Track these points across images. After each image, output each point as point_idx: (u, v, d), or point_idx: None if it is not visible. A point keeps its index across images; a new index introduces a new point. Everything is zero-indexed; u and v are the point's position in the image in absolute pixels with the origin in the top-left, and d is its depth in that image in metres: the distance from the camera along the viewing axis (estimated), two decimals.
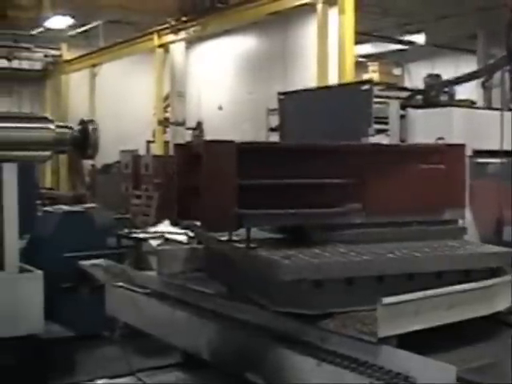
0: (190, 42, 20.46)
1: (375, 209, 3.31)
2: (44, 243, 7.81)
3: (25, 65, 22.52)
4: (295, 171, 3.21)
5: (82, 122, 2.91)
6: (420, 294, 2.52)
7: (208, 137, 18.02)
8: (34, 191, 8.13)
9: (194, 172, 3.34)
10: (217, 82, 20.99)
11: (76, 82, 23.09)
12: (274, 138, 12.86)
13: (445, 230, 3.57)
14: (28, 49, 22.30)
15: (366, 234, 3.35)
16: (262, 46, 19.62)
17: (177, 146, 3.61)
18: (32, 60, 23.06)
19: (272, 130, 14.08)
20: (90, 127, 2.90)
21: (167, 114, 19.50)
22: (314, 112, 8.38)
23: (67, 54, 23.17)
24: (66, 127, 2.87)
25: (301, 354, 2.57)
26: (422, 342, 2.44)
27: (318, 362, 2.48)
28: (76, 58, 22.80)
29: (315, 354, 2.54)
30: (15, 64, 21.89)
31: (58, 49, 23.18)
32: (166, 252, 3.99)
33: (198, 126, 19.42)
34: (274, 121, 12.27)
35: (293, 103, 9.06)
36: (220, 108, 20.33)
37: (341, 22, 12.48)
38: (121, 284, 3.85)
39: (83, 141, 2.88)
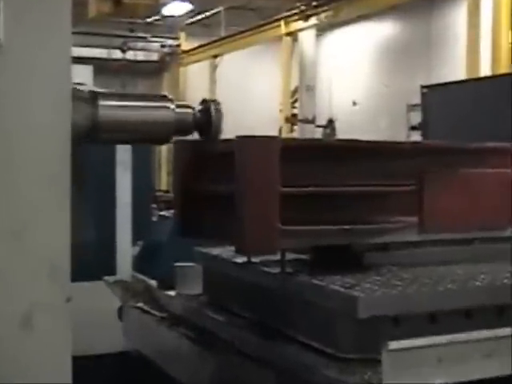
0: (321, 30, 20.47)
1: (433, 224, 3.04)
2: (158, 250, 7.97)
3: (140, 56, 23.11)
4: (333, 176, 2.97)
5: (204, 102, 2.93)
6: (445, 338, 2.27)
7: (340, 136, 17.96)
8: (148, 194, 8.31)
9: (201, 175, 3.16)
10: (350, 74, 20.91)
11: (195, 74, 23.54)
12: (416, 137, 12.68)
13: (507, 248, 3.27)
14: (144, 38, 22.89)
15: (423, 254, 3.17)
16: (401, 33, 19.40)
17: (179, 141, 3.38)
18: (148, 51, 23.65)
19: (413, 128, 13.90)
20: (213, 107, 2.90)
21: (295, 111, 19.59)
22: (463, 107, 8.20)
23: (185, 44, 23.63)
24: (188, 107, 2.89)
25: None
26: None
27: None
28: (195, 49, 23.23)
29: None
30: (130, 55, 22.49)
31: (176, 38, 23.69)
32: (186, 269, 3.82)
33: (329, 124, 19.37)
34: (416, 118, 12.09)
35: (438, 97, 8.89)
36: (354, 103, 20.23)
37: (495, 3, 12.17)
38: (138, 305, 3.83)
39: (205, 122, 2.88)
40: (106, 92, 2.68)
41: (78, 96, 2.47)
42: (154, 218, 8.51)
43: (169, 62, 24.25)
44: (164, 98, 2.81)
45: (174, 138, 2.91)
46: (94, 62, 10.33)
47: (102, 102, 2.59)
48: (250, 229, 2.78)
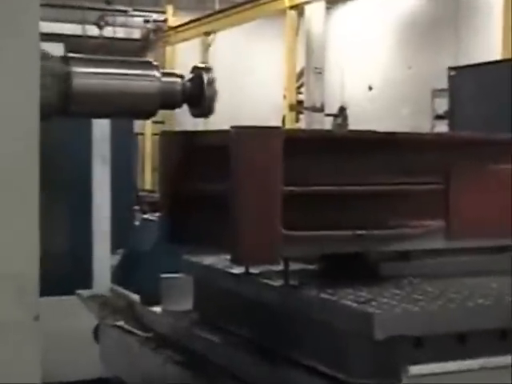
0: (332, 2, 20.50)
1: (461, 229, 3.05)
2: (141, 260, 7.97)
3: (120, 33, 23.13)
4: (344, 173, 2.95)
5: (196, 69, 2.93)
6: (476, 363, 2.30)
7: (353, 126, 17.97)
8: (130, 194, 8.32)
9: (191, 172, 3.10)
10: (365, 54, 20.93)
11: (184, 54, 23.54)
12: (442, 127, 12.69)
13: None
14: (124, 12, 22.91)
15: (449, 264, 3.15)
16: (425, 7, 19.42)
17: (165, 133, 3.33)
18: (129, 27, 23.67)
19: (439, 117, 13.92)
20: (206, 76, 2.91)
21: (301, 97, 19.60)
22: (498, 93, 8.20)
23: (173, 20, 23.67)
24: (176, 75, 2.89)
25: None
26: None
27: None
28: (184, 24, 23.25)
29: None
30: (108, 32, 22.51)
31: (162, 12, 23.73)
32: (173, 282, 3.82)
33: (341, 113, 19.41)
34: (442, 105, 12.10)
35: (469, 81, 8.91)
36: (370, 88, 20.26)
37: None
38: (118, 323, 3.81)
39: (197, 93, 2.89)
40: (79, 57, 2.67)
41: (46, 60, 2.46)
42: (137, 222, 8.51)
43: (153, 40, 24.28)
44: (148, 64, 2.81)
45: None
46: (66, 39, 10.32)
47: (75, 69, 2.59)
48: (247, 234, 2.75)
